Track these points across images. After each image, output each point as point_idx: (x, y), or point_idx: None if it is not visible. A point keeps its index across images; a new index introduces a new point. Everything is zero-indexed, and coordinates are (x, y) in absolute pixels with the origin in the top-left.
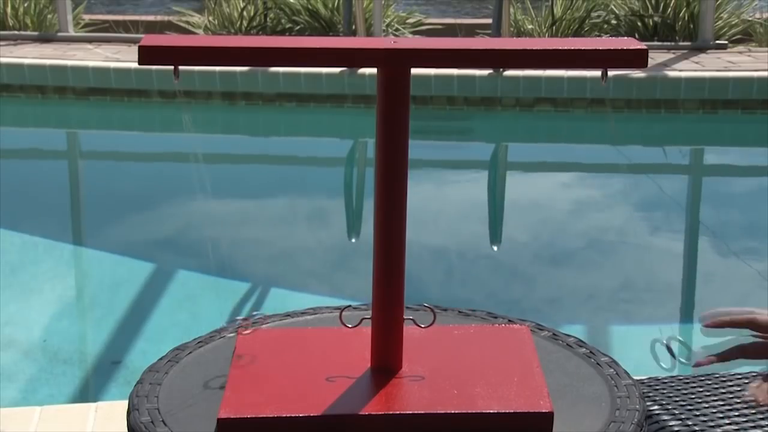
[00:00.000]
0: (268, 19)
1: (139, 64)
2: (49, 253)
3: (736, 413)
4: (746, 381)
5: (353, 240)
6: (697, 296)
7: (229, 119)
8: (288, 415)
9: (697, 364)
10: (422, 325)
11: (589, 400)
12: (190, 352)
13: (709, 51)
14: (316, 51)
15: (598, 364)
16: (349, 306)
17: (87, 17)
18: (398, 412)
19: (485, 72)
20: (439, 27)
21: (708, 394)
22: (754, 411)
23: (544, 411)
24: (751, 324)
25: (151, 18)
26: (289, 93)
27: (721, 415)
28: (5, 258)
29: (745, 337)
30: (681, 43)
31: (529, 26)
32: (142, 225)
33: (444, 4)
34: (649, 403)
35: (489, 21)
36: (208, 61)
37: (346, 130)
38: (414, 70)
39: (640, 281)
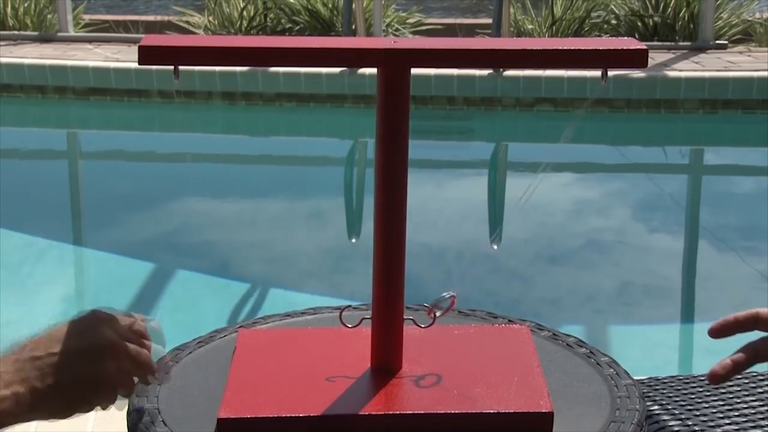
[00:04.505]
0: (268, 19)
1: (139, 64)
2: (49, 253)
3: (736, 413)
4: (746, 381)
5: (353, 240)
6: (697, 296)
7: (229, 119)
8: (288, 415)
9: (713, 374)
10: (422, 325)
11: (589, 400)
12: (190, 352)
13: (709, 51)
14: (316, 51)
15: (598, 364)
16: (349, 306)
17: (87, 17)
18: (398, 412)
19: (485, 72)
20: (439, 27)
21: (708, 394)
22: (753, 411)
23: (544, 411)
24: (755, 319)
25: (151, 18)
26: (289, 93)
27: (721, 415)
28: (5, 258)
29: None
30: (681, 43)
31: (529, 26)
32: (142, 225)
33: (443, 8)
34: (649, 403)
35: (489, 21)
36: (208, 61)
37: (346, 130)
38: (414, 70)
39: (640, 281)
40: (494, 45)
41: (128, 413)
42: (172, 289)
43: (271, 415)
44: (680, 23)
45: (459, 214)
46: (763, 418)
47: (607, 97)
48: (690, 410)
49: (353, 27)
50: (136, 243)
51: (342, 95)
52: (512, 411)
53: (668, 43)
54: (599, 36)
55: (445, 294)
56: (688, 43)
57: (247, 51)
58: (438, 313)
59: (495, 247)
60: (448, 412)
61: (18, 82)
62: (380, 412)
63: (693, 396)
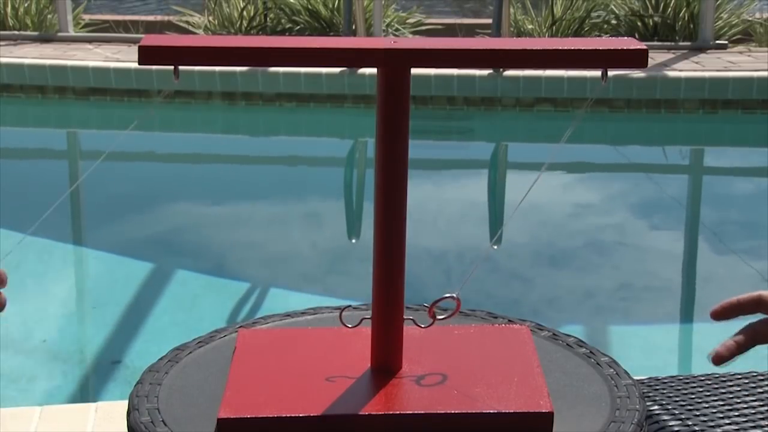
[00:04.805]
0: (268, 19)
1: (139, 64)
2: (49, 253)
3: (736, 413)
4: (746, 381)
5: (353, 240)
6: (696, 296)
7: (229, 119)
8: (288, 415)
9: (717, 355)
10: (422, 325)
11: (589, 400)
12: (190, 352)
13: (709, 51)
14: (316, 51)
15: (598, 364)
16: (349, 306)
17: (87, 17)
18: (398, 412)
19: (485, 72)
20: (439, 27)
21: (708, 394)
22: (753, 411)
23: (544, 411)
24: (757, 302)
25: (151, 18)
26: (289, 93)
27: (721, 415)
28: (5, 258)
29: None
30: (681, 43)
31: (529, 26)
32: (142, 225)
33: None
34: (649, 403)
35: (489, 21)
36: (208, 61)
37: (346, 130)
38: (414, 70)
39: (639, 281)
40: (494, 45)
41: (128, 413)
42: (171, 289)
43: (271, 415)
44: (680, 23)
45: (459, 214)
46: (763, 418)
47: (607, 97)
48: (690, 410)
49: (353, 27)
50: (136, 243)
51: (342, 95)
52: (512, 411)
53: (668, 43)
54: (599, 36)
55: (447, 296)
56: (688, 43)
57: (247, 51)
58: (442, 316)
59: (495, 247)
60: (448, 412)
61: (18, 82)
62: (380, 412)
63: (693, 396)
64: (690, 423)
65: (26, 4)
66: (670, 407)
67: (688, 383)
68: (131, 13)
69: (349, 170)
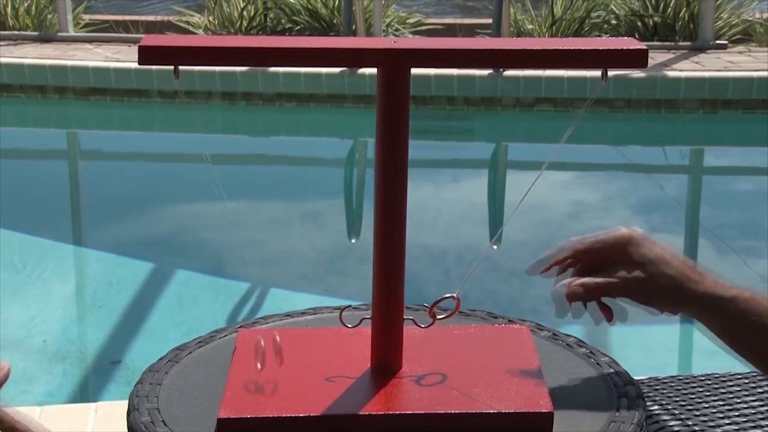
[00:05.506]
0: (268, 19)
1: (139, 64)
2: (49, 253)
3: (736, 413)
4: (746, 381)
5: (353, 240)
6: None
7: (229, 119)
8: (288, 415)
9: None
10: (422, 325)
11: (589, 400)
12: (190, 352)
13: (709, 51)
14: (316, 51)
15: (598, 364)
16: (349, 306)
17: (87, 17)
18: (398, 412)
19: (485, 72)
20: (439, 27)
21: (708, 394)
22: (753, 411)
23: (544, 411)
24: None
25: (151, 18)
26: (289, 93)
27: (721, 415)
28: (5, 258)
29: None
30: (681, 43)
31: (529, 26)
32: (141, 225)
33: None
34: (649, 403)
35: (489, 21)
36: (208, 61)
37: (346, 130)
38: (414, 70)
39: None
40: (494, 45)
41: (128, 413)
42: (172, 289)
43: (271, 415)
44: (680, 23)
45: (459, 214)
46: (763, 418)
47: (607, 97)
48: (690, 410)
49: (353, 27)
50: (136, 243)
51: (342, 95)
52: (512, 411)
53: (668, 43)
54: (599, 36)
55: (446, 295)
56: (688, 43)
57: (247, 51)
58: (442, 316)
59: (495, 246)
60: (448, 412)
61: (18, 82)
62: (380, 412)
63: (693, 396)
64: (690, 423)
65: (26, 4)
66: (670, 407)
67: (688, 383)
68: (137, 13)
69: (349, 170)
